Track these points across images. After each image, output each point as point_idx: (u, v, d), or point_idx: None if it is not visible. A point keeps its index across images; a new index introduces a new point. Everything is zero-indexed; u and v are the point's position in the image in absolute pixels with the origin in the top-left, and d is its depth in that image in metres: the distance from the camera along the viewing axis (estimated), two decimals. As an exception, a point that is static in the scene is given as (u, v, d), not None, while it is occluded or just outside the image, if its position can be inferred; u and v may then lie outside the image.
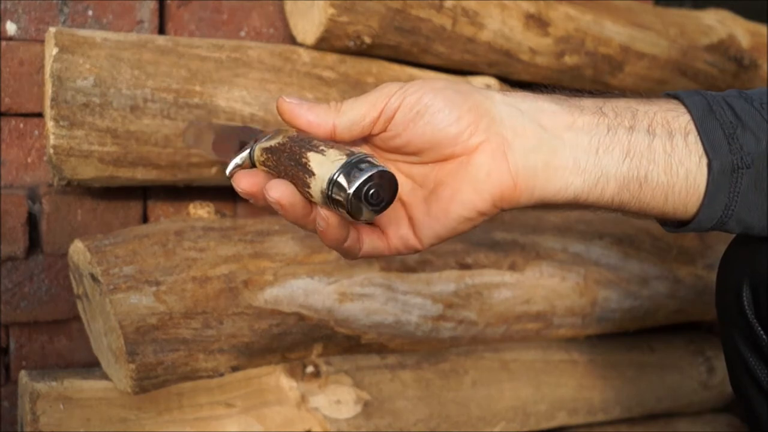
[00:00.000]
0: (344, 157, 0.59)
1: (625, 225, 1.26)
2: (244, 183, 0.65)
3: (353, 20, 1.05)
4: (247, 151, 0.66)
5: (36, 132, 1.07)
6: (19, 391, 1.01)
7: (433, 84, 0.64)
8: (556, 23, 1.19)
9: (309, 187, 0.60)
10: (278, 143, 0.64)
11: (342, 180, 0.58)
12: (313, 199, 0.61)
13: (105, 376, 0.99)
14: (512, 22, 1.16)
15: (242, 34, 1.16)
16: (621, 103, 0.65)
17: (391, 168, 0.65)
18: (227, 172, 0.67)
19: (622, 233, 1.24)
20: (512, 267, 1.14)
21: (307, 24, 1.08)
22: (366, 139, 0.66)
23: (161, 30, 1.12)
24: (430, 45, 1.12)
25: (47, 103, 0.94)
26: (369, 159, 0.59)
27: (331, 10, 1.03)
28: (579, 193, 0.64)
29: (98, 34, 0.97)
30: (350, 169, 0.58)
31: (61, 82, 0.93)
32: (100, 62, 0.95)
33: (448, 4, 1.10)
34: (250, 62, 1.03)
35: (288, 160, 0.62)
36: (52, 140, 0.94)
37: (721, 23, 1.37)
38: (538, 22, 1.18)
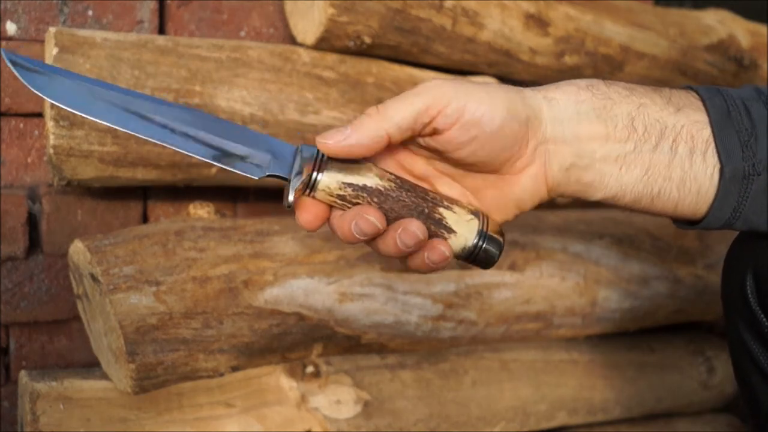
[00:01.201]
0: (474, 218, 0.66)
1: (625, 225, 1.26)
2: (312, 221, 0.65)
3: (353, 20, 1.05)
4: (308, 177, 0.63)
5: (36, 132, 1.07)
6: (19, 391, 1.01)
7: (492, 101, 0.63)
8: (556, 23, 1.19)
9: (445, 239, 0.65)
10: (383, 186, 0.64)
11: (490, 246, 0.66)
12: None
13: (105, 376, 0.99)
14: (512, 22, 1.16)
15: (242, 34, 1.16)
16: (653, 113, 0.67)
17: (426, 165, 0.68)
18: (290, 201, 0.64)
19: (622, 233, 1.24)
20: (512, 267, 1.14)
21: (307, 24, 1.08)
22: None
23: (161, 30, 1.12)
24: (430, 45, 1.12)
25: (47, 103, 0.94)
26: (496, 225, 0.67)
27: (331, 10, 1.03)
28: (596, 201, 0.69)
29: (98, 34, 0.97)
30: (490, 236, 0.66)
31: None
32: (100, 62, 0.95)
33: (448, 4, 1.10)
34: (250, 62, 1.03)
35: (410, 211, 0.64)
36: (52, 140, 0.94)
37: (721, 23, 1.37)
38: (538, 22, 1.18)
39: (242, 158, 0.65)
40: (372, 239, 0.64)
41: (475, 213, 0.66)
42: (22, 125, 1.07)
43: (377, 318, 1.05)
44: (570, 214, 1.25)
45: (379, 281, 1.04)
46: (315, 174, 0.63)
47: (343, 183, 0.64)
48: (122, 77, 0.96)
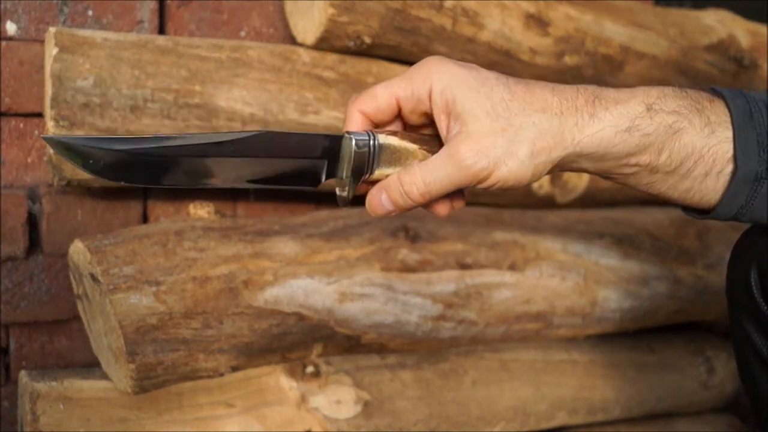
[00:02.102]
0: None
1: (625, 225, 1.26)
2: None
3: (353, 20, 1.05)
4: (363, 176, 0.69)
5: (36, 132, 1.07)
6: (19, 391, 1.01)
7: (521, 176, 0.66)
8: (556, 23, 1.19)
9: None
10: None
11: None
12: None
13: (105, 376, 0.99)
14: (512, 22, 1.16)
15: (242, 34, 1.16)
16: (686, 138, 0.68)
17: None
18: (347, 201, 0.70)
19: (622, 233, 1.24)
20: (512, 267, 1.14)
21: (307, 24, 1.08)
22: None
23: (161, 30, 1.12)
24: (430, 45, 1.12)
25: (47, 103, 0.94)
26: None
27: (331, 10, 1.03)
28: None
29: (98, 34, 0.97)
30: None
31: (61, 82, 0.93)
32: (100, 62, 0.95)
33: (448, 4, 1.10)
34: (250, 62, 1.03)
35: None
36: (52, 140, 0.94)
37: (721, 23, 1.37)
38: (538, 22, 1.18)
39: (298, 175, 0.69)
40: None
41: None
42: (22, 125, 1.07)
43: (377, 318, 1.05)
44: (570, 214, 1.25)
45: (379, 281, 1.04)
46: (369, 173, 0.69)
47: (392, 172, 0.70)
48: (122, 77, 0.96)
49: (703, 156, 0.68)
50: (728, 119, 0.69)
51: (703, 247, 1.30)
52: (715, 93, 0.71)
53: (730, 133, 0.68)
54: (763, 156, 0.68)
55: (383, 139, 0.69)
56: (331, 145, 0.68)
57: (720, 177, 0.69)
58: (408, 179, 0.67)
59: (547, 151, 0.66)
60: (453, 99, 0.66)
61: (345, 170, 0.68)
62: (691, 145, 0.68)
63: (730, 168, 0.68)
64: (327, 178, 0.69)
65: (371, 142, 0.68)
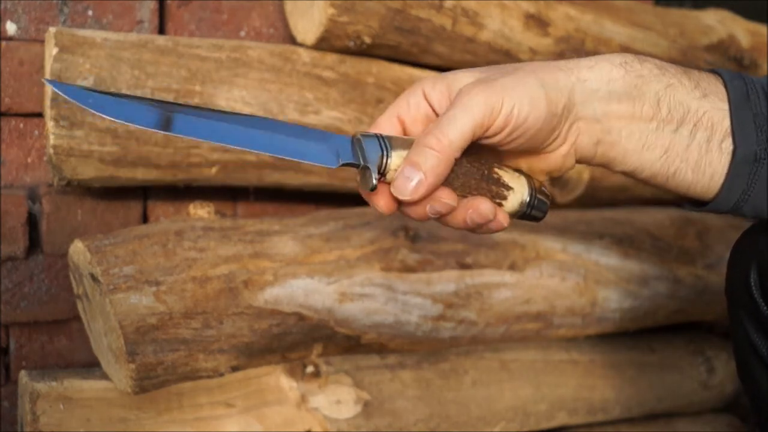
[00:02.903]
0: (520, 174, 0.70)
1: (625, 225, 1.26)
2: (391, 204, 0.67)
3: (353, 20, 1.05)
4: (381, 162, 0.66)
5: (36, 132, 1.07)
6: (19, 391, 1.01)
7: (533, 101, 0.65)
8: (556, 23, 1.19)
9: (505, 199, 0.69)
10: None
11: (542, 197, 0.71)
12: (503, 207, 0.69)
13: (105, 376, 0.99)
14: (512, 22, 1.16)
15: (242, 34, 1.16)
16: (679, 96, 0.69)
17: None
18: (374, 183, 0.67)
19: (622, 233, 1.24)
20: (512, 267, 1.14)
21: (307, 24, 1.08)
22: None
23: (161, 30, 1.12)
24: (430, 45, 1.12)
25: (47, 103, 0.95)
26: (536, 180, 0.71)
27: (331, 10, 1.03)
28: (615, 172, 0.73)
29: (98, 34, 0.97)
30: (539, 192, 0.71)
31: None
32: (100, 62, 0.95)
33: (448, 4, 1.10)
34: (250, 62, 1.03)
35: (473, 175, 0.68)
36: (52, 140, 0.94)
37: (721, 23, 1.37)
38: (538, 22, 1.18)
39: (314, 152, 0.68)
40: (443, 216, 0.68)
41: (518, 170, 0.70)
42: (22, 125, 1.07)
43: (377, 318, 1.05)
44: (570, 214, 1.25)
45: (379, 281, 1.04)
46: (386, 159, 0.66)
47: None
48: (122, 77, 0.96)
49: (700, 119, 0.69)
50: (723, 92, 0.70)
51: (703, 247, 1.30)
52: (715, 72, 0.72)
53: (725, 106, 0.69)
54: (761, 136, 0.68)
55: (389, 135, 0.69)
56: (341, 141, 0.69)
57: (723, 151, 0.69)
58: (423, 134, 0.66)
59: (553, 80, 0.67)
60: (447, 84, 0.68)
61: (361, 158, 0.67)
62: (686, 103, 0.69)
63: (729, 143, 0.69)
64: (345, 162, 0.68)
65: (378, 134, 0.68)
